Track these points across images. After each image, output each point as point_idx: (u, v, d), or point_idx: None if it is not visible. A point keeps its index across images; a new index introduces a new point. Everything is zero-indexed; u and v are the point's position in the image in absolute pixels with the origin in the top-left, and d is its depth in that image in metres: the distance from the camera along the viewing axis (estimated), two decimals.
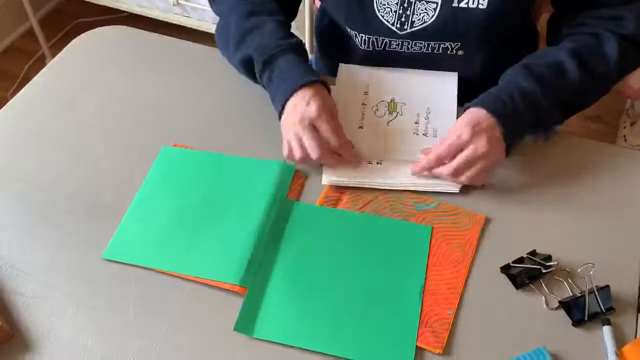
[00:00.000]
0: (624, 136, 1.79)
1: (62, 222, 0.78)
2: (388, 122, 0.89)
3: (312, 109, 0.79)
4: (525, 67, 0.83)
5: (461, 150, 0.78)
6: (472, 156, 0.78)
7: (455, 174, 0.79)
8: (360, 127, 0.88)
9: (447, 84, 0.93)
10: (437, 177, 0.81)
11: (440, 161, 0.80)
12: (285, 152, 0.81)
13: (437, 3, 0.86)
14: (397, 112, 0.90)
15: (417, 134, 0.87)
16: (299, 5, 1.01)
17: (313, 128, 0.79)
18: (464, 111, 0.82)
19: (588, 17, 0.87)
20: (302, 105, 0.80)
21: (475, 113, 0.79)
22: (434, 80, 0.93)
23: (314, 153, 0.79)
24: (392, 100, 0.91)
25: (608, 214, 0.80)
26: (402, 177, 0.82)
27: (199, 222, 0.78)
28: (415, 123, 0.88)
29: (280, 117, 0.83)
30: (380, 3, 0.88)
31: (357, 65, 0.96)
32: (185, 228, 0.77)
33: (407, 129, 0.88)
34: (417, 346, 0.67)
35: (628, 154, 0.88)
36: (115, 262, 0.74)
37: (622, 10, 0.84)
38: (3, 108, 0.93)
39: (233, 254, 0.74)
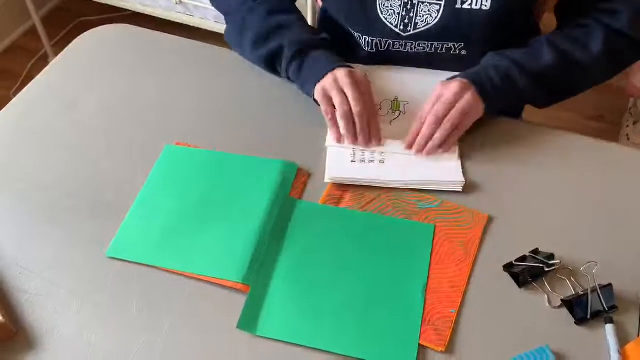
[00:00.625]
0: (627, 135, 1.79)
1: (65, 220, 0.79)
2: (391, 121, 0.89)
3: (359, 73, 0.85)
4: (498, 53, 0.88)
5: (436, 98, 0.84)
6: (448, 98, 0.82)
7: (437, 118, 0.82)
8: None
9: None
10: (427, 141, 0.84)
11: (422, 117, 0.84)
12: (327, 110, 0.84)
13: (440, 5, 0.86)
14: (400, 111, 0.90)
15: None
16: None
17: (357, 85, 0.83)
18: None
19: (585, 9, 0.88)
20: (348, 69, 0.85)
21: (454, 80, 0.85)
22: (437, 80, 0.93)
23: (358, 105, 0.82)
24: (396, 99, 0.92)
25: (611, 212, 0.80)
26: (404, 175, 0.82)
27: (201, 220, 0.78)
28: None
29: (314, 87, 0.85)
30: (384, 5, 0.88)
31: (361, 65, 0.96)
32: (188, 226, 0.77)
33: (409, 127, 0.88)
34: (419, 344, 0.68)
35: (631, 153, 0.88)
36: (119, 259, 0.74)
37: (618, 5, 0.86)
38: (6, 107, 0.93)
39: (236, 252, 0.74)
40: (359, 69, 0.96)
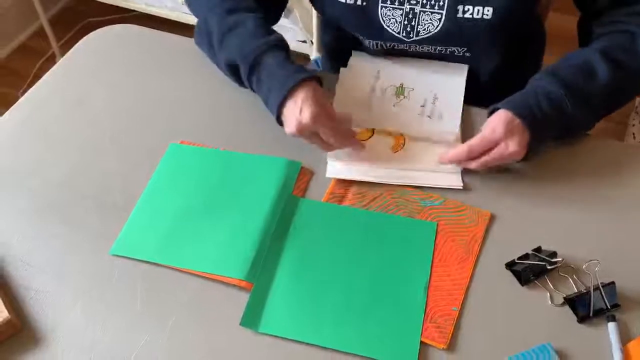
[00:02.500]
0: (633, 134, 1.78)
1: (71, 217, 0.79)
2: (394, 104, 0.90)
3: (306, 116, 0.77)
4: (552, 72, 0.82)
5: (494, 144, 0.79)
6: (503, 154, 0.78)
7: (483, 166, 0.80)
8: (367, 108, 0.90)
9: (456, 74, 0.94)
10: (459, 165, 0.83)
11: (472, 153, 0.80)
12: (310, 141, 0.82)
13: (441, 14, 0.86)
14: (404, 96, 0.91)
15: (422, 116, 0.89)
16: (282, 12, 1.01)
17: (316, 134, 0.80)
18: (490, 112, 0.82)
19: (619, 15, 0.86)
20: (296, 113, 0.78)
21: (508, 114, 0.79)
22: (444, 70, 0.95)
23: (333, 138, 0.80)
24: (401, 85, 0.93)
25: (614, 210, 0.79)
26: (406, 172, 0.83)
27: (205, 218, 0.78)
28: (422, 106, 0.90)
29: (276, 114, 0.81)
30: (385, 14, 0.89)
31: (368, 54, 0.98)
32: (192, 224, 0.78)
33: (412, 111, 0.89)
34: (421, 341, 0.68)
35: (636, 152, 0.88)
36: (123, 257, 0.75)
37: None
38: (13, 107, 0.94)
39: (239, 249, 0.75)
40: (369, 56, 0.97)
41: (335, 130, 0.80)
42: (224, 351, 0.68)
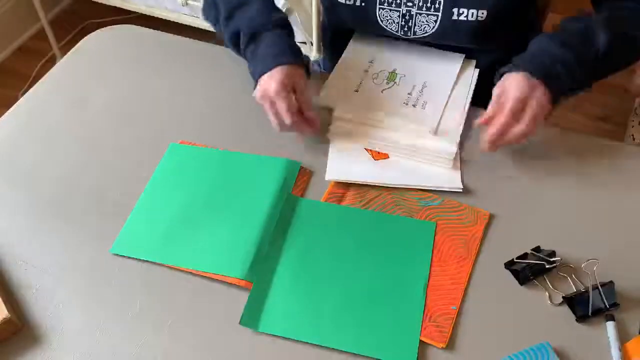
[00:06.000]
0: (632, 135, 1.78)
1: (71, 216, 0.80)
2: (382, 90, 0.91)
3: (271, 87, 0.81)
4: (554, 36, 0.83)
5: (524, 104, 0.78)
6: (538, 108, 0.77)
7: (529, 131, 0.78)
8: (356, 91, 0.92)
9: (451, 63, 0.95)
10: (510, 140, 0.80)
11: (510, 121, 0.79)
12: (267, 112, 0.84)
13: (437, 15, 0.88)
14: (394, 82, 0.93)
15: (407, 104, 0.89)
16: None
17: (274, 104, 0.82)
18: (500, 75, 0.82)
19: None
20: (267, 82, 0.82)
21: (522, 75, 0.79)
22: (440, 58, 0.96)
23: (287, 118, 0.81)
24: (394, 71, 0.94)
25: (613, 210, 0.80)
26: (404, 179, 0.83)
27: (205, 217, 0.79)
28: (408, 94, 0.91)
29: (255, 86, 0.85)
30: (383, 15, 0.91)
31: (371, 36, 0.99)
32: (192, 223, 0.78)
33: (398, 98, 0.90)
34: (421, 340, 0.68)
35: (635, 152, 0.88)
36: (123, 256, 0.75)
37: None
38: (14, 106, 0.95)
39: (239, 249, 0.75)
40: (370, 39, 0.98)
41: (290, 107, 0.81)
42: (223, 351, 0.68)
